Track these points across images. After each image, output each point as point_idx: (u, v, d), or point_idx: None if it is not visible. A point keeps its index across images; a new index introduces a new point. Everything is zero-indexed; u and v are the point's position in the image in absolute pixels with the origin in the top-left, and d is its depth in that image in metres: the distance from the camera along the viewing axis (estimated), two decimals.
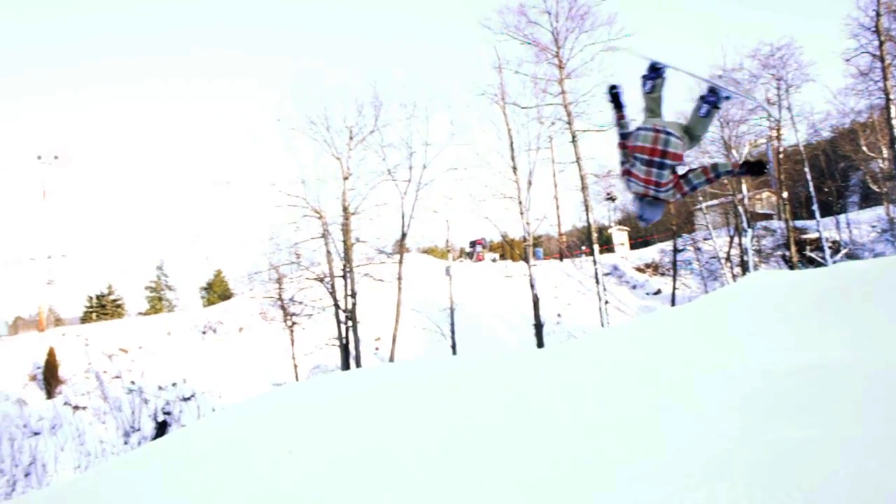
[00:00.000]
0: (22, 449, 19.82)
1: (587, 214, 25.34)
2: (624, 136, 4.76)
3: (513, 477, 3.24)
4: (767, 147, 25.00)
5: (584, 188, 25.04)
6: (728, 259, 29.90)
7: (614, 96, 4.92)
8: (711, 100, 4.74)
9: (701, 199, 32.35)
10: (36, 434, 21.49)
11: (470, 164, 25.67)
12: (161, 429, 21.68)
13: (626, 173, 4.63)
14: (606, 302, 24.07)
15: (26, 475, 18.49)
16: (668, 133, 4.47)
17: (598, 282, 24.07)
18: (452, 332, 25.19)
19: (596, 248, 24.77)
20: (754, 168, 4.76)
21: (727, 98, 4.98)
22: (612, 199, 39.97)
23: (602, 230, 36.10)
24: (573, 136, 24.85)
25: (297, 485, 4.30)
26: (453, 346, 24.99)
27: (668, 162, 4.47)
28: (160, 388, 24.67)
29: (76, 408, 23.80)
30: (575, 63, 25.30)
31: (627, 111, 4.93)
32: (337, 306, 24.08)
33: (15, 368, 25.83)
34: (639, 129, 4.60)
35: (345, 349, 23.86)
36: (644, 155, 4.52)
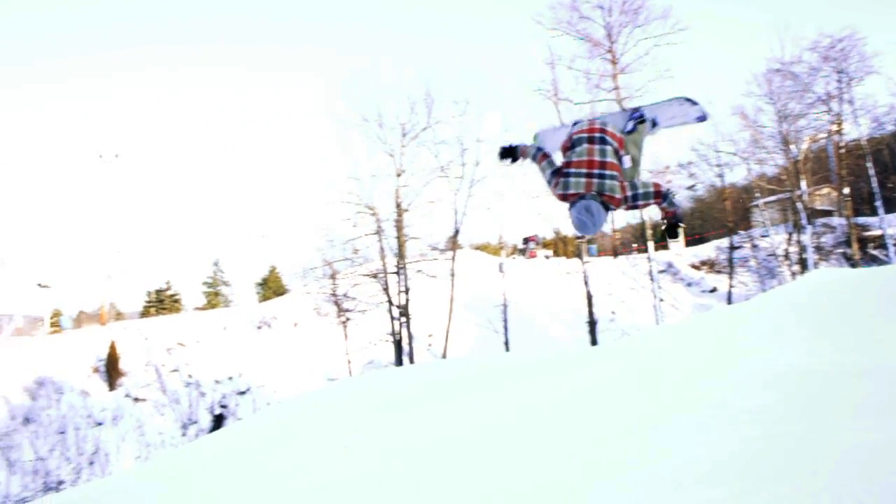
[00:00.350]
0: (86, 438, 20.44)
1: (641, 211, 25.09)
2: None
3: (567, 476, 3.24)
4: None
5: None
6: (786, 256, 29.29)
7: (506, 153, 4.93)
8: (636, 115, 4.89)
9: (758, 194, 31.80)
10: (99, 424, 22.17)
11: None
12: (218, 421, 22.10)
13: (559, 173, 4.40)
14: (661, 299, 23.84)
15: (90, 463, 19.07)
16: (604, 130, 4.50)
17: (652, 279, 23.87)
18: (505, 328, 25.19)
19: (651, 244, 24.55)
20: (669, 228, 4.72)
21: (654, 123, 5.10)
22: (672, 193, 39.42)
23: (656, 227, 35.79)
24: None
25: (350, 479, 4.36)
26: (506, 343, 25.00)
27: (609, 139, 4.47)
28: (217, 381, 25.21)
29: (136, 400, 24.49)
30: (628, 58, 25.01)
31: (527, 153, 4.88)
32: (390, 302, 24.30)
33: (79, 361, 26.67)
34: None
35: (398, 345, 24.09)
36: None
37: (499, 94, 47.47)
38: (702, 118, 5.23)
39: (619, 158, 4.46)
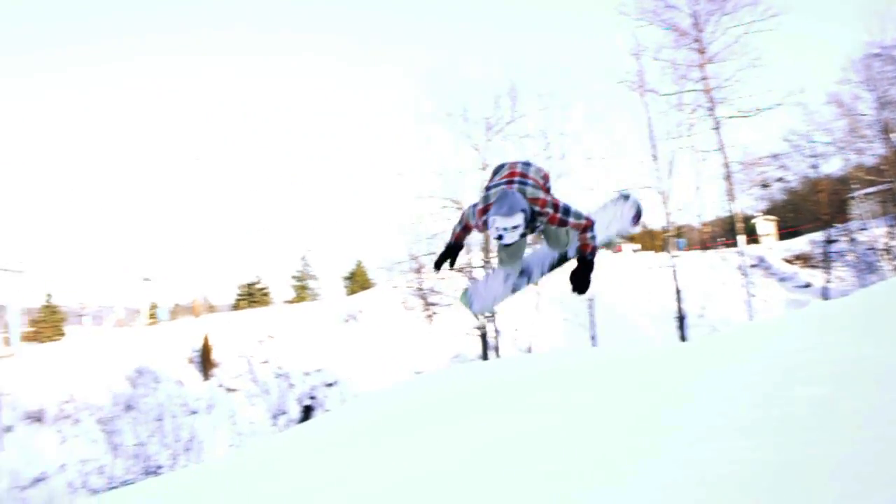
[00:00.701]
0: (182, 426, 21.24)
1: (731, 204, 24.51)
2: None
3: (657, 477, 3.17)
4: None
5: (727, 176, 24.22)
6: (887, 251, 28.15)
7: (444, 258, 5.03)
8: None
9: (856, 186, 30.68)
10: (193, 413, 23.02)
11: (608, 153, 25.33)
12: (307, 412, 22.63)
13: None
14: (752, 295, 23.27)
15: (186, 450, 19.83)
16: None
17: (743, 274, 23.33)
18: (592, 323, 25.01)
19: (742, 238, 23.98)
20: (583, 267, 4.81)
21: None
22: (765, 185, 38.24)
23: (747, 220, 34.78)
24: (716, 123, 24.06)
25: (433, 473, 4.37)
26: (593, 338, 24.82)
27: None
28: (305, 373, 25.79)
29: (229, 390, 25.31)
30: (717, 47, 24.35)
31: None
32: None
33: (175, 351, 27.75)
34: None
35: (483, 339, 24.20)
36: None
37: (583, 87, 46.91)
38: (637, 217, 5.36)
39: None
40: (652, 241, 35.45)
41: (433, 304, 25.97)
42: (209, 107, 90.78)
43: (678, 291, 23.37)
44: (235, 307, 44.68)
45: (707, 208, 26.12)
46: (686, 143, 25.11)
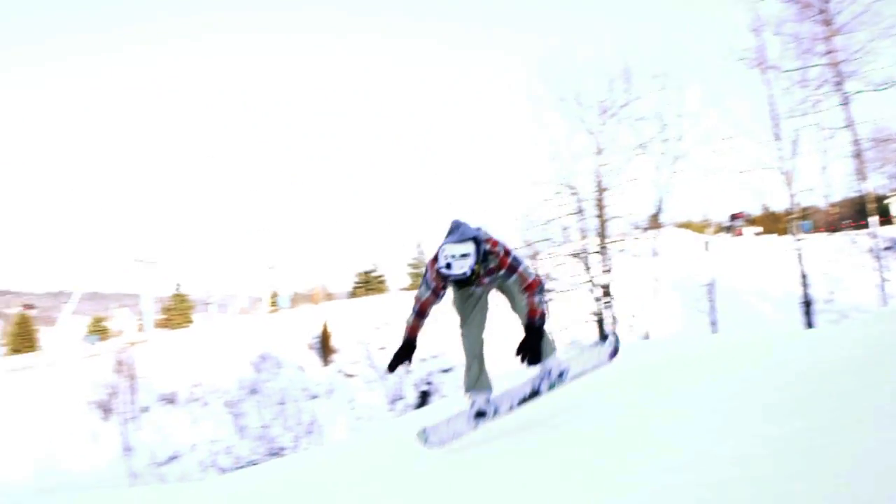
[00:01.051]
0: (303, 410, 21.98)
1: (862, 183, 23.24)
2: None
3: (790, 467, 2.99)
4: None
5: (857, 154, 22.94)
6: None
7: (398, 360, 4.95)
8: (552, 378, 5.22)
9: None
10: (314, 397, 23.78)
11: (727, 133, 24.45)
12: (423, 398, 22.95)
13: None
14: (886, 280, 22.07)
15: (308, 433, 20.52)
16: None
17: (876, 257, 22.14)
18: (712, 308, 24.33)
19: (874, 219, 22.77)
20: (532, 336, 4.83)
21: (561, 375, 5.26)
22: None
23: (880, 200, 32.98)
24: (844, 99, 22.79)
25: (556, 461, 4.29)
26: (713, 323, 24.17)
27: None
28: (422, 359, 26.11)
29: (348, 375, 26.00)
30: (844, 17, 22.93)
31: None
32: (592, 282, 24.18)
33: (295, 338, 28.69)
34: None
35: (600, 325, 23.94)
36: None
37: (700, 66, 45.35)
38: (614, 354, 5.27)
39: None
40: (775, 223, 34.07)
41: (549, 290, 25.82)
42: (326, 96, 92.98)
43: (804, 276, 22.42)
44: (353, 295, 45.77)
45: (834, 189, 24.77)
46: (811, 120, 23.90)
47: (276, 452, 19.16)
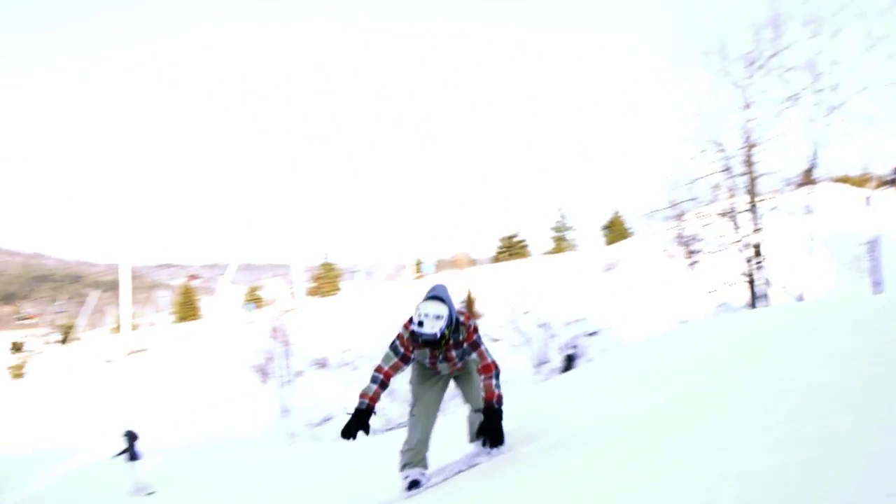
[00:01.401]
0: None
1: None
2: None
3: None
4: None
5: None
6: None
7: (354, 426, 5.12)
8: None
9: None
10: None
11: (890, 79, 22.76)
12: (569, 362, 22.93)
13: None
14: None
15: (454, 396, 20.96)
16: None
17: None
18: (875, 267, 22.90)
19: None
20: (490, 419, 5.04)
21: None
22: None
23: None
24: None
25: (701, 426, 4.20)
26: (876, 284, 22.78)
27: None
28: (567, 323, 26.07)
29: (493, 340, 26.27)
30: None
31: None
32: (741, 242, 23.32)
33: None
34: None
35: (751, 286, 23.08)
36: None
37: (857, 7, 42.23)
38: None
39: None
40: None
41: (696, 252, 25.14)
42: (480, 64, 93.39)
43: None
44: (496, 260, 46.10)
45: None
46: None
47: None
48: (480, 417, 5.22)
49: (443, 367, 5.33)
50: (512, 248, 46.35)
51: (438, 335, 4.85)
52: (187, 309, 54.72)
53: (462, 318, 5.09)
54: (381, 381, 5.22)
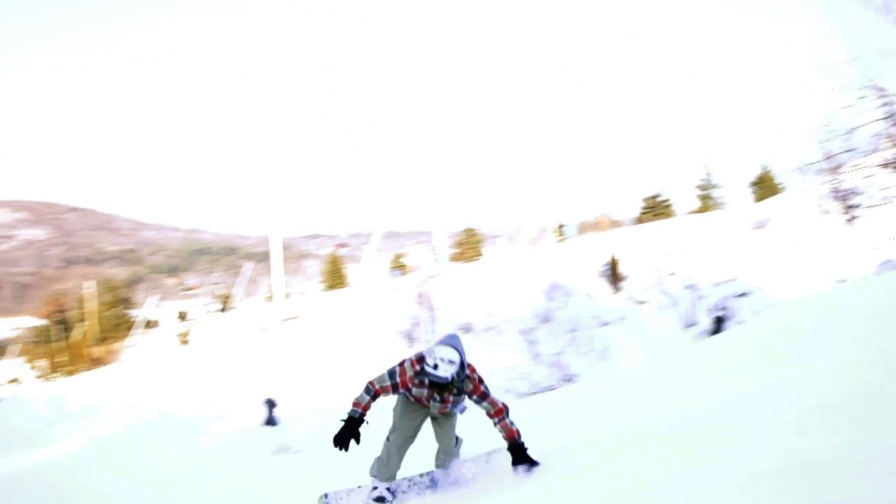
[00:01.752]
0: (595, 337, 22.44)
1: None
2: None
3: None
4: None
5: None
6: None
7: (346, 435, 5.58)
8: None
9: None
10: (605, 324, 24.10)
11: None
12: (718, 324, 22.41)
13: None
14: None
15: (600, 360, 20.97)
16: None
17: None
18: None
19: None
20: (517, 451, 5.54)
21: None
22: None
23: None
24: None
25: (857, 392, 4.04)
26: None
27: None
28: (715, 284, 25.39)
29: (638, 302, 25.98)
30: None
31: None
32: None
33: (583, 266, 29.17)
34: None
35: None
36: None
37: None
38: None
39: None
40: None
41: (854, 206, 23.88)
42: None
43: None
44: (639, 221, 45.28)
45: None
46: None
47: (569, 378, 19.81)
48: (449, 459, 6.08)
49: (434, 407, 5.79)
50: (655, 209, 45.38)
51: (448, 379, 5.44)
52: (335, 277, 56.75)
53: (468, 372, 5.62)
54: (374, 394, 5.72)
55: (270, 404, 21.49)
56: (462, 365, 5.48)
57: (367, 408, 5.70)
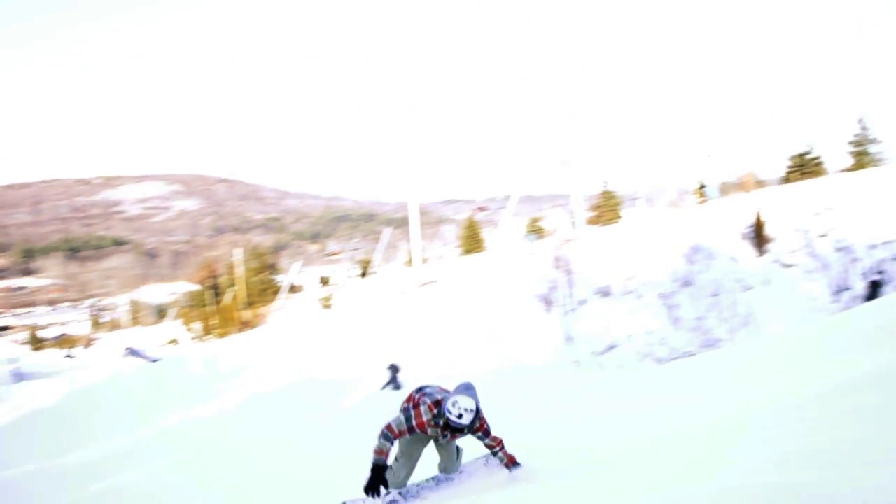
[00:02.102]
0: (738, 301, 21.74)
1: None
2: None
3: None
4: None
5: None
6: None
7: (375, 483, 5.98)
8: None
9: None
10: (749, 289, 23.27)
11: None
12: (874, 288, 21.24)
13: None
14: None
15: (744, 325, 20.30)
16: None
17: None
18: None
19: None
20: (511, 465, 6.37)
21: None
22: None
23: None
24: None
25: None
26: None
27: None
28: (871, 246, 24.03)
29: (785, 265, 24.90)
30: None
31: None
32: None
33: (726, 228, 28.19)
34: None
35: None
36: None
37: None
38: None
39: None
40: None
41: None
42: None
43: None
44: (786, 180, 43.24)
45: None
46: None
47: (711, 344, 19.37)
48: (453, 468, 6.71)
49: (442, 439, 6.43)
50: (804, 167, 43.13)
51: (466, 426, 6.02)
52: (472, 242, 57.29)
53: (481, 415, 6.19)
54: (392, 440, 6.10)
55: (394, 369, 22.18)
56: (476, 412, 6.03)
57: (387, 453, 6.09)
